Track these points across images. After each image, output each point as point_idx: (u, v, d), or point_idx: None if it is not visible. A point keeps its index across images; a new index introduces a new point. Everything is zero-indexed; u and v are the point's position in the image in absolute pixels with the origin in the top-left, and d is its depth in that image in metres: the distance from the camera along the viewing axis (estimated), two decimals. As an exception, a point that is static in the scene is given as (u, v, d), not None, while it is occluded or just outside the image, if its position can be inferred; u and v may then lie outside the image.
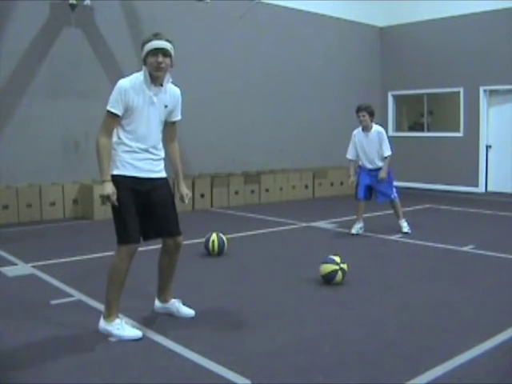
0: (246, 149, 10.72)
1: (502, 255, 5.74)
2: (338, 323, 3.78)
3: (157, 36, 3.46)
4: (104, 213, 8.02)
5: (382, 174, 6.71)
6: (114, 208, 3.49)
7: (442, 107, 12.72)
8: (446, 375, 2.94)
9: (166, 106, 3.58)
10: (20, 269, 5.24)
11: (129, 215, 3.47)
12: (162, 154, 3.66)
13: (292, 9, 11.30)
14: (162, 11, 9.22)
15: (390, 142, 6.85)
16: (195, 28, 9.83)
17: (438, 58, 12.09)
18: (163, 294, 3.87)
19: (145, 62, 3.48)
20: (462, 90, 11.86)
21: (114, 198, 3.41)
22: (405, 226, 6.99)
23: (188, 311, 3.88)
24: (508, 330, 3.57)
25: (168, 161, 3.77)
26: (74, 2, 8.24)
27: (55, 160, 8.47)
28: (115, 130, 3.53)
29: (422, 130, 12.79)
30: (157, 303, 3.93)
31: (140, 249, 3.61)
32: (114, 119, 3.45)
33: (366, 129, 6.80)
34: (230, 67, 10.37)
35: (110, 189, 3.40)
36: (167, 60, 3.45)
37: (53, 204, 8.16)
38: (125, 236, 3.47)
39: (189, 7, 9.54)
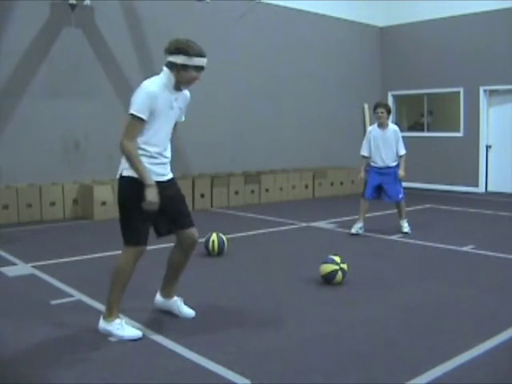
0: (246, 149, 10.72)
1: (502, 255, 5.75)
2: (338, 323, 3.78)
3: (201, 51, 3.37)
4: (104, 213, 8.03)
5: (402, 173, 6.85)
6: (125, 208, 3.45)
7: (442, 107, 12.72)
8: (446, 375, 2.94)
9: (180, 109, 3.59)
10: (20, 269, 5.24)
11: (140, 216, 3.41)
12: (170, 155, 3.64)
13: (292, 9, 11.30)
14: (162, 11, 9.23)
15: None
16: (195, 28, 9.81)
17: (437, 58, 12.09)
18: (167, 289, 3.85)
19: (175, 67, 3.39)
20: (462, 90, 11.86)
21: (156, 205, 3.33)
22: (405, 227, 7.00)
23: (188, 311, 3.87)
24: (508, 330, 3.57)
25: None
26: (74, 2, 8.25)
27: (55, 160, 8.47)
28: None
29: (422, 129, 12.79)
30: (158, 297, 3.90)
31: (140, 249, 3.61)
32: (140, 124, 3.33)
33: (383, 125, 6.85)
34: (230, 67, 10.37)
35: (153, 196, 3.30)
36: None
37: (53, 204, 8.15)
38: (134, 237, 3.45)
39: (189, 7, 9.54)
